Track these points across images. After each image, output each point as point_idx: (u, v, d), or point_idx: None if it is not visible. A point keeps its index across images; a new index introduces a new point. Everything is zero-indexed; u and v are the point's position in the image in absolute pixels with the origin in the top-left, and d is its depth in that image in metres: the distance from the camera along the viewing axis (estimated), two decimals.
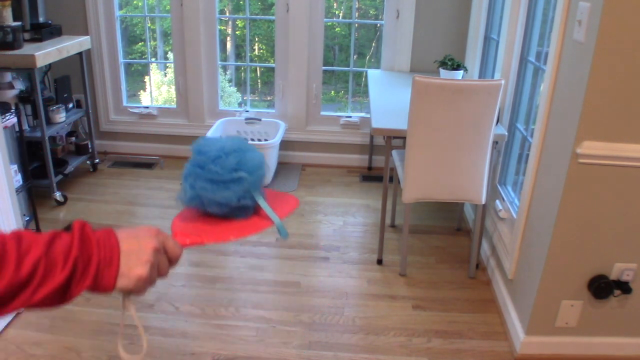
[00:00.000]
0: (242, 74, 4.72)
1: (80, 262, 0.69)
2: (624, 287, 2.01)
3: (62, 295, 0.68)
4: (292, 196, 1.06)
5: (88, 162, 3.78)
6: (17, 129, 2.75)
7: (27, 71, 3.08)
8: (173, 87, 4.12)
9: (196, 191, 0.89)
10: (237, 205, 0.90)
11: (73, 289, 0.69)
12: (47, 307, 0.68)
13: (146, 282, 0.74)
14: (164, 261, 0.78)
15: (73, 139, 3.74)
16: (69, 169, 3.48)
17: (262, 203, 0.92)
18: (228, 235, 0.91)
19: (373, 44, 4.74)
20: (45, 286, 0.66)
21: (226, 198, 0.89)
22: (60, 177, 3.37)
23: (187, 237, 0.86)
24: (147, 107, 4.08)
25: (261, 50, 5.40)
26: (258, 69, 5.14)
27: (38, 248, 0.67)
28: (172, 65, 4.03)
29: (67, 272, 0.67)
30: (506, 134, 2.61)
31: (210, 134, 3.59)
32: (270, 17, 4.02)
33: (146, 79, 4.37)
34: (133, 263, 0.72)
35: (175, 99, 4.06)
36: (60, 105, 3.39)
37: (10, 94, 3.15)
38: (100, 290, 0.71)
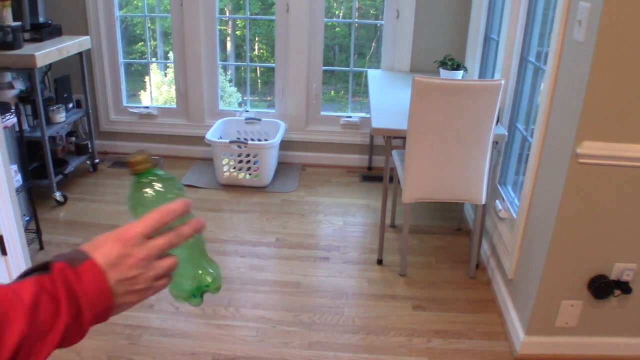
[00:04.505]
0: (242, 74, 4.72)
1: (71, 328, 0.58)
2: (624, 287, 2.01)
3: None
4: None
5: (88, 162, 3.78)
6: (17, 129, 2.75)
7: (27, 71, 3.08)
8: (173, 87, 4.12)
9: None
10: None
11: (62, 346, 0.60)
12: None
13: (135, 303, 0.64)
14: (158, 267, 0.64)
15: (73, 139, 3.74)
16: (69, 169, 3.48)
17: None
18: None
19: (373, 44, 4.74)
20: None
21: None
22: (60, 177, 3.37)
23: None
24: (147, 107, 4.08)
25: (261, 50, 5.40)
26: (258, 69, 5.14)
27: (19, 320, 0.53)
28: (172, 65, 4.03)
29: (56, 341, 0.57)
30: (506, 134, 2.61)
31: (210, 133, 3.59)
32: (270, 17, 4.02)
33: (146, 78, 4.37)
34: (126, 299, 0.62)
35: (175, 99, 4.06)
36: (60, 105, 3.39)
37: (10, 94, 3.15)
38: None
